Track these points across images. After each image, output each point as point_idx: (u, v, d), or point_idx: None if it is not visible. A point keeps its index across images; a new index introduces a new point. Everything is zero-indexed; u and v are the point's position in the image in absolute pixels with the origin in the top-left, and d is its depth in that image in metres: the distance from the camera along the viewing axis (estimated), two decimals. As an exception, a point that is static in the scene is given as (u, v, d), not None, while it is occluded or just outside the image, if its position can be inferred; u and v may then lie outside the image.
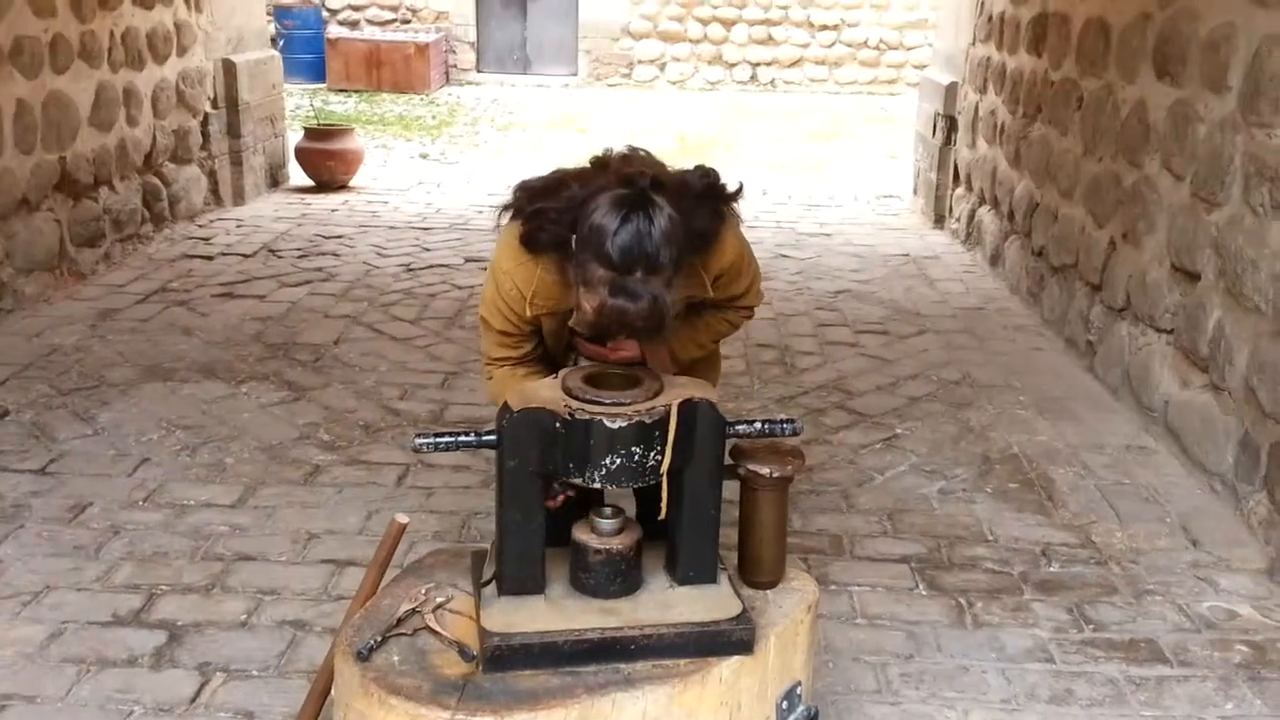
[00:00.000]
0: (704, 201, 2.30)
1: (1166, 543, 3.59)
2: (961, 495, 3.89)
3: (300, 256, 6.91)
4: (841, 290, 6.38)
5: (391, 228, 7.78)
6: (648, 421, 1.97)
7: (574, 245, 2.15)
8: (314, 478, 3.96)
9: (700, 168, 2.38)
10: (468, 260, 6.91)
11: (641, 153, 2.39)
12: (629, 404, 1.99)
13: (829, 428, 4.47)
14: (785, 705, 2.17)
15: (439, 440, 2.03)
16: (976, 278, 6.73)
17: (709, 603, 2.10)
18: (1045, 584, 3.32)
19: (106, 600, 3.17)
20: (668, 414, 1.99)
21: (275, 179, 9.02)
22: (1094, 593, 3.28)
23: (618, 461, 1.98)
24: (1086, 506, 3.81)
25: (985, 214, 7.01)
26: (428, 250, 7.17)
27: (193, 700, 2.76)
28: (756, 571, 2.25)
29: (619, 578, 2.09)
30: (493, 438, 2.02)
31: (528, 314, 2.38)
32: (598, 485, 2.00)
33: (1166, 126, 4.43)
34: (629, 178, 2.19)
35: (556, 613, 2.07)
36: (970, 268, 6.96)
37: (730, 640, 2.04)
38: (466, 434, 2.03)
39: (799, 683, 2.22)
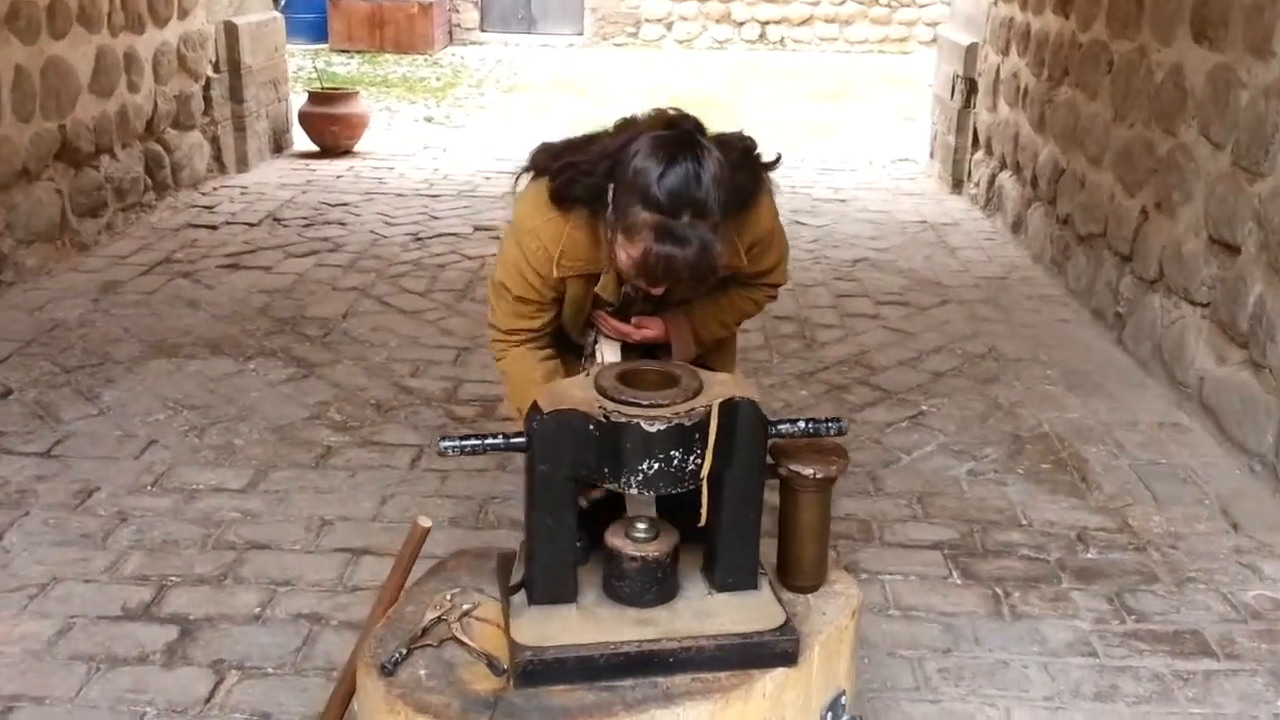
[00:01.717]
0: (744, 163, 2.18)
1: (1206, 527, 3.48)
2: (992, 477, 3.78)
3: (306, 225, 6.78)
4: (860, 259, 6.23)
5: (398, 195, 7.63)
6: (688, 424, 1.85)
7: (612, 193, 2.03)
8: (326, 460, 3.86)
9: (739, 133, 2.26)
10: (477, 229, 6.77)
11: (672, 111, 2.25)
12: (667, 405, 1.87)
13: (853, 405, 4.35)
14: (830, 716, 2.07)
15: (465, 444, 1.91)
16: (998, 245, 6.58)
17: (750, 611, 1.99)
18: (1083, 571, 3.22)
19: (116, 592, 3.08)
20: (708, 415, 1.87)
21: (279, 144, 8.85)
22: (1134, 581, 3.17)
23: (655, 466, 1.86)
24: (1122, 488, 3.70)
25: (1006, 179, 6.85)
26: (436, 219, 7.02)
27: (207, 700, 2.67)
28: (797, 575, 2.14)
29: (655, 586, 1.98)
30: (522, 440, 1.90)
31: (554, 275, 2.24)
32: (634, 491, 1.89)
33: (1205, 92, 4.27)
34: (671, 120, 2.07)
35: (590, 623, 1.96)
36: (991, 235, 6.81)
37: (774, 652, 1.93)
38: (494, 437, 1.91)
39: (843, 691, 2.12)
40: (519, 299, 2.29)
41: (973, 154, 7.61)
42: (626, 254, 2.01)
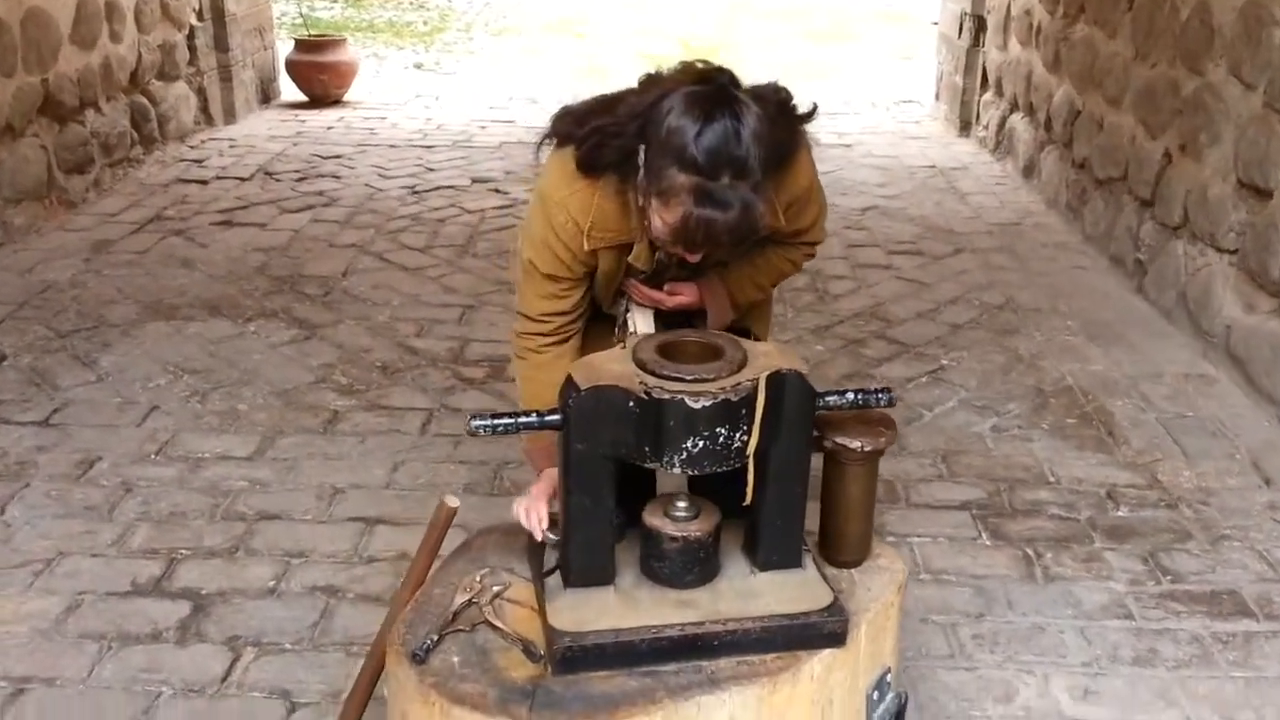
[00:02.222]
0: (781, 117, 2.05)
1: (1238, 481, 3.41)
2: (1017, 433, 3.70)
3: (299, 179, 6.61)
4: (869, 207, 6.10)
5: (391, 146, 7.45)
6: (734, 399, 1.75)
7: (643, 155, 1.91)
8: (333, 425, 3.76)
9: (773, 84, 2.13)
10: (475, 181, 6.62)
11: (700, 64, 2.12)
12: (712, 379, 1.76)
13: (870, 360, 4.25)
14: (876, 695, 2.00)
15: (498, 423, 1.81)
16: (1009, 190, 6.45)
17: (795, 591, 1.91)
18: (1115, 530, 3.14)
19: (124, 567, 2.99)
20: (755, 389, 1.77)
21: (266, 94, 8.65)
22: (1167, 539, 3.10)
23: (700, 444, 1.76)
24: (1150, 442, 3.62)
25: (1018, 121, 6.70)
26: (432, 170, 6.86)
27: (224, 679, 2.59)
28: (841, 550, 2.05)
29: (696, 566, 1.89)
30: (557, 418, 1.79)
31: (585, 248, 2.12)
32: (677, 471, 1.79)
33: (1236, 30, 4.13)
34: (704, 74, 1.94)
35: (630, 606, 1.87)
36: (1002, 179, 6.67)
37: (822, 632, 1.84)
38: (527, 414, 1.81)
39: (888, 669, 2.04)
40: (549, 276, 2.16)
41: (981, 95, 7.44)
42: (662, 220, 1.89)
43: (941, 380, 4.08)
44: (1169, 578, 2.93)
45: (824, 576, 1.95)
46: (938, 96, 8.24)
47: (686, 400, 1.73)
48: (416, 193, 6.39)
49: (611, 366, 1.82)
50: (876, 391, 1.93)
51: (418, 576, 2.09)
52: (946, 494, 3.33)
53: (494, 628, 1.90)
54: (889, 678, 2.04)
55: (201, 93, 7.60)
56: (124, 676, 2.59)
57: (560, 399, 1.81)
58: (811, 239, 2.34)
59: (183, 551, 3.06)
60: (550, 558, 1.97)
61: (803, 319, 4.62)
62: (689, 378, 1.77)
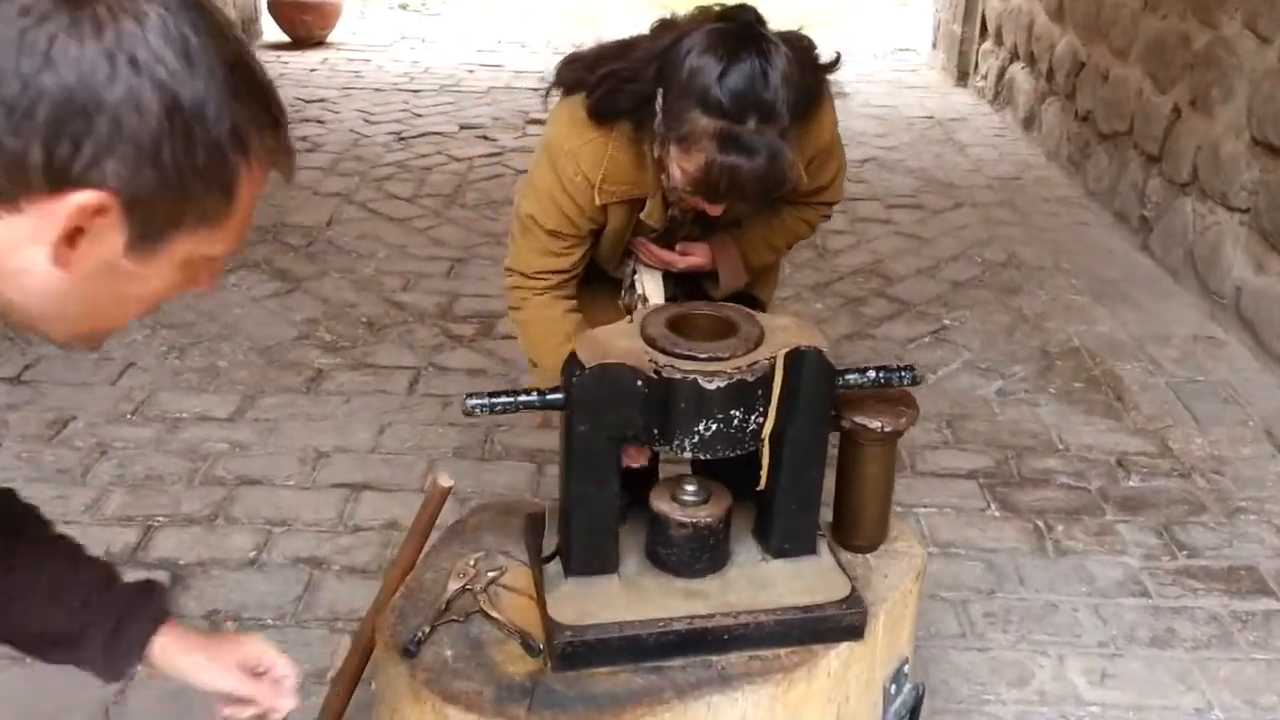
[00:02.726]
0: (805, 64, 1.91)
1: (1251, 450, 3.32)
2: (1023, 397, 3.59)
3: (281, 124, 6.40)
4: (867, 159, 5.94)
5: (377, 90, 7.24)
6: (750, 380, 1.62)
7: (661, 100, 1.77)
8: (317, 384, 3.62)
9: (795, 30, 1.99)
10: (463, 128, 6.42)
11: (717, 6, 1.96)
12: (727, 358, 1.64)
13: (870, 319, 4.13)
14: (893, 688, 1.90)
15: (495, 402, 1.68)
16: (1009, 142, 6.30)
17: (810, 580, 1.80)
18: (1127, 501, 3.05)
19: (98, 535, 2.86)
20: (772, 368, 1.64)
21: (248, 35, 8.37)
22: (1181, 511, 3.01)
23: (713, 427, 1.64)
24: (1160, 408, 3.52)
25: (1018, 72, 6.54)
26: (419, 116, 6.66)
27: (203, 656, 2.47)
28: (856, 535, 1.94)
29: (705, 554, 1.78)
30: (559, 398, 1.67)
31: (596, 203, 1.98)
32: (688, 455, 1.67)
33: (1254, -19, 3.98)
34: (727, 13, 1.80)
35: (635, 596, 1.76)
36: (1001, 131, 6.52)
37: (839, 626, 1.74)
38: (528, 394, 1.68)
39: (906, 659, 1.94)
40: (552, 233, 2.02)
41: (980, 44, 7.27)
42: (681, 169, 1.75)
43: (944, 341, 3.97)
44: (1184, 552, 2.84)
45: (840, 564, 1.84)
46: (935, 45, 8.05)
47: (700, 381, 1.61)
48: (403, 139, 6.20)
49: (618, 343, 1.69)
50: (899, 369, 1.81)
51: (408, 560, 1.97)
52: (953, 462, 3.23)
53: (490, 618, 1.79)
54: (906, 669, 1.95)
55: (178, 32, 7.35)
56: (99, 653, 2.47)
57: (563, 378, 1.68)
58: (830, 198, 2.20)
59: (159, 518, 2.93)
60: (549, 542, 1.86)
61: (801, 275, 4.49)
62: (702, 356, 1.64)
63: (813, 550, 1.85)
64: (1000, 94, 6.81)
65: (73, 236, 0.84)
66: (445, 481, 1.97)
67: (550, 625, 1.70)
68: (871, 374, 1.79)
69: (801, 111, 1.85)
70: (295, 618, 2.60)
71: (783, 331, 1.73)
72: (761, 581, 1.80)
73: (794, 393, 1.68)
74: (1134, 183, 4.86)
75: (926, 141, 6.29)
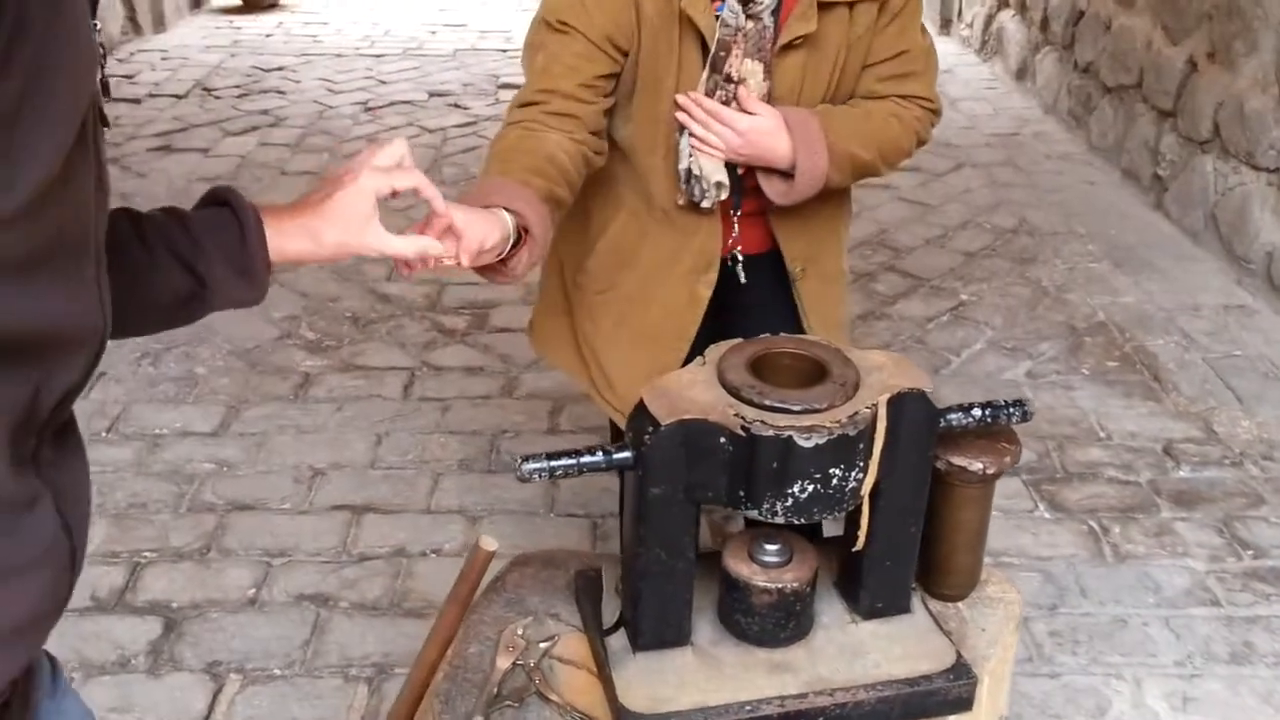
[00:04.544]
0: None
1: (1301, 431, 3.16)
2: (1055, 379, 3.41)
3: (241, 96, 6.06)
4: (860, 118, 5.70)
5: (338, 56, 6.89)
6: (852, 434, 1.41)
7: None
8: (305, 391, 3.37)
9: None
10: (432, 95, 6.11)
11: None
12: (824, 408, 1.42)
13: (884, 297, 3.93)
14: (994, 753, 1.71)
15: (555, 465, 1.44)
16: (1000, 95, 6.08)
17: (908, 645, 1.60)
18: (1181, 495, 2.88)
19: (81, 576, 2.60)
20: (874, 418, 1.43)
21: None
22: (1239, 505, 2.85)
23: (810, 488, 1.42)
24: (1200, 388, 3.35)
25: (1008, 20, 6.31)
26: (384, 84, 6.33)
27: (207, 716, 2.25)
28: (947, 584, 1.74)
29: (790, 621, 1.57)
30: (628, 456, 1.44)
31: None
32: (779, 520, 1.45)
33: (1285, -73, 3.77)
34: None
35: (713, 673, 1.55)
36: (991, 83, 6.30)
37: (947, 699, 1.55)
38: (591, 453, 1.45)
39: (1004, 719, 1.76)
40: (562, 29, 1.67)
41: (965, -9, 7.02)
42: None
43: (964, 318, 3.77)
44: (1250, 552, 2.68)
45: (938, 623, 1.65)
46: (917, -8, 7.77)
47: (795, 438, 1.39)
48: (370, 109, 5.88)
49: (695, 393, 1.46)
50: (1007, 406, 1.60)
51: (447, 629, 1.75)
52: (991, 455, 3.04)
53: (548, 700, 1.58)
54: (1003, 727, 1.76)
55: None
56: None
57: (632, 433, 1.46)
58: (921, 92, 1.85)
59: (146, 553, 2.69)
60: (610, 609, 1.64)
61: (807, 250, 4.26)
62: (796, 408, 1.42)
63: (906, 608, 1.65)
64: (988, 43, 6.58)
65: None
66: (489, 545, 1.73)
67: (620, 713, 1.49)
68: (977, 413, 1.58)
69: None
70: (305, 665, 2.37)
71: (879, 372, 1.51)
72: (854, 649, 1.60)
73: (893, 440, 1.47)
74: (1144, 139, 4.67)
75: (917, 97, 6.05)
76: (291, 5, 8.18)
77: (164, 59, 6.68)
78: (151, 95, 6.02)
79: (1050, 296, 3.90)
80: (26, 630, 0.90)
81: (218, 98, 6.01)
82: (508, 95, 5.64)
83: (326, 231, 1.24)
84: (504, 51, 6.92)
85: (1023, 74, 6.07)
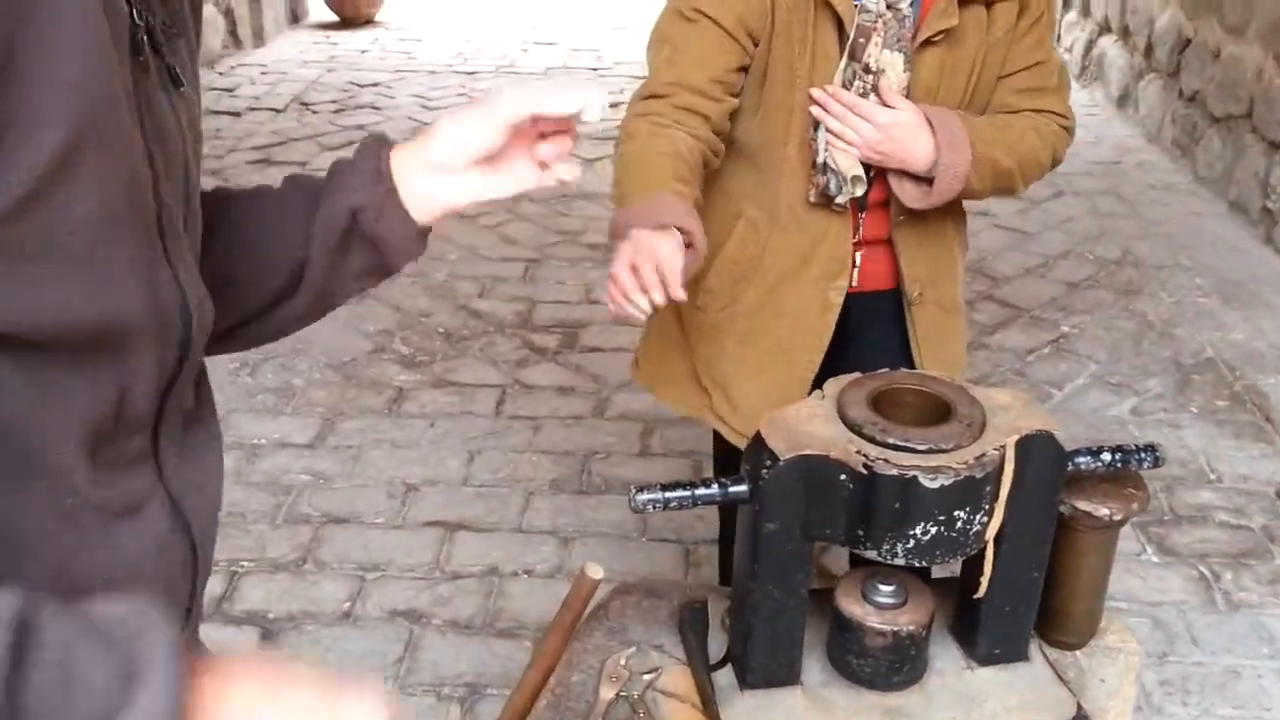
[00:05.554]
0: None
1: None
2: (1162, 417, 3.31)
3: (337, 111, 6.17)
4: (955, 143, 5.62)
5: (431, 73, 6.98)
6: (979, 475, 1.37)
7: None
8: (399, 405, 3.40)
9: None
10: (526, 112, 6.15)
11: None
12: (950, 449, 1.38)
13: (983, 326, 3.85)
14: (1111, 809, 1.65)
15: (670, 497, 1.42)
16: (1101, 122, 5.96)
17: (1026, 695, 1.55)
18: (1296, 542, 2.77)
19: (179, 583, 2.65)
20: (1002, 460, 1.38)
21: (295, 14, 8.16)
22: (1358, 554, 2.73)
23: (932, 530, 1.38)
24: (1316, 431, 3.23)
25: (1109, 45, 6.18)
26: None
27: (301, 729, 2.26)
28: (1065, 629, 1.68)
29: (905, 665, 1.53)
30: (743, 490, 1.42)
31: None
32: (899, 561, 1.41)
33: None
34: None
35: (824, 715, 1.51)
36: (1091, 109, 6.17)
37: (1067, 753, 1.49)
38: (707, 485, 1.43)
39: (1121, 773, 1.69)
40: (694, 17, 1.64)
41: (1064, 14, 6.89)
42: None
43: (1066, 351, 3.68)
44: (1370, 605, 2.56)
45: (1055, 672, 1.59)
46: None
47: (921, 479, 1.35)
48: (463, 127, 5.93)
49: (814, 429, 1.43)
50: (1139, 450, 1.53)
51: (550, 657, 1.74)
52: (1095, 494, 2.95)
53: (653, 734, 1.56)
54: (1119, 782, 1.69)
55: (229, 14, 7.12)
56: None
57: (749, 468, 1.43)
58: (1057, 107, 1.80)
59: (245, 563, 2.73)
60: (716, 644, 1.61)
61: (902, 277, 4.20)
62: (921, 447, 1.38)
63: (1025, 656, 1.59)
64: (1088, 69, 6.46)
65: None
66: (595, 574, 1.72)
67: (731, 753, 1.46)
68: (1106, 457, 1.52)
69: None
70: (399, 681, 2.38)
71: (1005, 412, 1.46)
72: (971, 696, 1.55)
73: (1019, 483, 1.43)
74: (1255, 171, 4.53)
75: (1014, 123, 5.96)
76: (386, 21, 8.32)
77: (263, 73, 6.83)
78: (251, 109, 6.15)
79: (1156, 331, 3.79)
80: None
81: (315, 113, 6.13)
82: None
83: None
84: (594, 70, 6.96)
85: (1124, 101, 5.94)
